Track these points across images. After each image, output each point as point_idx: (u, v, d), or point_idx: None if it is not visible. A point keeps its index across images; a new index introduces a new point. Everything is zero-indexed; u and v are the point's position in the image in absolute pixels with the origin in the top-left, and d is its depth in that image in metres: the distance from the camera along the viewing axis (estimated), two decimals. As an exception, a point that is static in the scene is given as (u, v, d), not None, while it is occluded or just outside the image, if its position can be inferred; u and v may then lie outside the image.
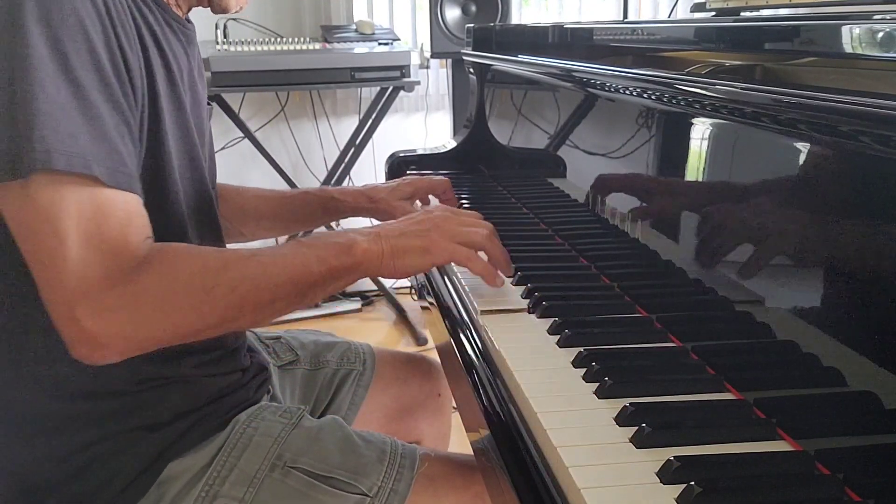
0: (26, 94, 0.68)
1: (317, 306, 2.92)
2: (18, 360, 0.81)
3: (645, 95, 0.87)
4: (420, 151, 1.63)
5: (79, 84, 0.71)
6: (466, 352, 0.83)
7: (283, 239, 1.59)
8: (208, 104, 1.05)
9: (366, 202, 1.19)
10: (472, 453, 0.81)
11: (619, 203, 1.01)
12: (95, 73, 0.72)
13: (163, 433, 0.84)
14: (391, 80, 2.54)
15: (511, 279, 0.94)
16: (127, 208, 0.74)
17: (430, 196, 1.26)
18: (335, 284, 0.83)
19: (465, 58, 1.62)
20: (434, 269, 1.10)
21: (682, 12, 1.87)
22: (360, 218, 1.24)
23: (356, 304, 2.98)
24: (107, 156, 0.72)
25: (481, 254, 0.90)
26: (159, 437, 0.84)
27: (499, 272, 0.89)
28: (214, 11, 0.97)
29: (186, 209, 0.89)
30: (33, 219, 0.69)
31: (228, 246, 1.03)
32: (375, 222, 1.01)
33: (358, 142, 2.75)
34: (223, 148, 2.72)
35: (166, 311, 0.73)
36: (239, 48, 2.45)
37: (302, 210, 1.20)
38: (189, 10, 0.95)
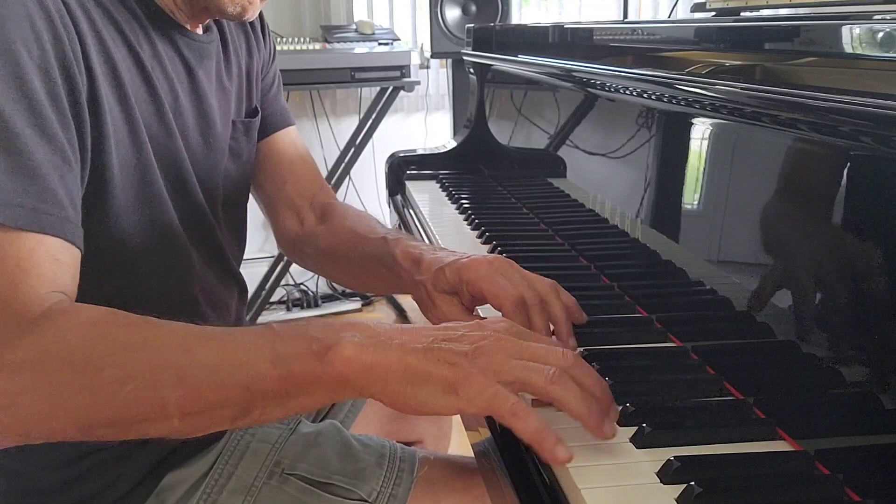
0: None
1: (316, 306, 2.92)
2: None
3: (645, 95, 0.87)
4: (420, 151, 1.63)
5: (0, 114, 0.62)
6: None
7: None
8: (248, 118, 0.98)
9: (413, 273, 0.84)
10: (472, 455, 0.81)
11: (620, 203, 1.01)
12: (23, 103, 0.64)
13: (162, 443, 0.82)
14: (391, 80, 2.54)
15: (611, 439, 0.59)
16: (31, 253, 0.61)
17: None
18: (297, 399, 0.58)
19: (465, 58, 1.62)
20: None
21: (682, 12, 1.87)
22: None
23: (356, 304, 2.98)
24: (23, 192, 0.62)
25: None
26: (158, 447, 0.82)
27: (559, 447, 0.55)
28: (213, 14, 0.87)
29: (185, 235, 0.84)
30: None
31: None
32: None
33: (358, 142, 2.74)
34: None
35: (39, 388, 0.56)
36: (239, 48, 2.44)
37: (375, 264, 0.92)
38: (195, 17, 0.86)
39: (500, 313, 0.75)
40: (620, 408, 0.64)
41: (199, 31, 0.89)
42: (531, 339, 0.62)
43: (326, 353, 0.57)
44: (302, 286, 2.95)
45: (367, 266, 0.93)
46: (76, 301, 0.65)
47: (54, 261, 0.63)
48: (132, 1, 0.79)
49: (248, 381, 0.57)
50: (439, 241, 1.14)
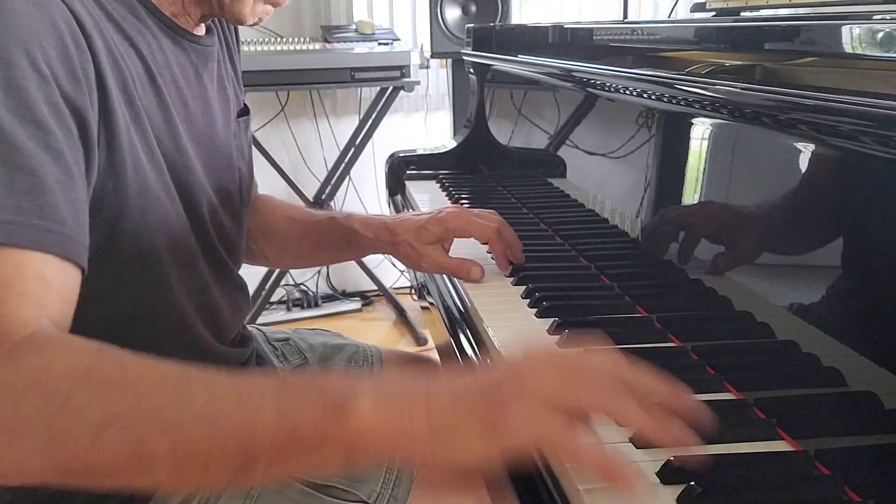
0: None
1: (317, 306, 2.92)
2: None
3: (645, 95, 0.87)
4: (420, 151, 1.63)
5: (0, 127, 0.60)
6: (466, 352, 0.83)
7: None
8: (244, 117, 1.00)
9: (387, 238, 1.00)
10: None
11: (620, 203, 1.01)
12: (27, 117, 0.61)
13: None
14: (391, 80, 2.54)
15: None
16: (16, 269, 0.58)
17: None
18: (302, 459, 0.52)
19: (465, 58, 1.63)
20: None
21: (682, 12, 1.87)
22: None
23: (356, 304, 2.98)
24: (15, 209, 0.59)
25: None
26: None
27: (630, 475, 0.49)
28: (229, 21, 0.90)
29: (199, 252, 0.85)
30: None
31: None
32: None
33: (358, 142, 2.75)
34: (223, 148, 2.72)
35: (7, 422, 0.51)
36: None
37: (325, 239, 1.07)
38: (200, 20, 0.87)
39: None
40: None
41: (202, 31, 0.90)
42: (574, 358, 0.54)
43: (340, 408, 0.50)
44: (302, 286, 2.95)
45: (317, 243, 1.07)
46: (75, 323, 0.62)
47: (42, 280, 0.59)
48: (143, 12, 0.79)
49: (248, 434, 0.51)
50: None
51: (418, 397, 0.51)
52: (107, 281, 0.68)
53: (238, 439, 0.51)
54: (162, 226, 0.79)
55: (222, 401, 0.52)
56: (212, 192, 0.88)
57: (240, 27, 1.00)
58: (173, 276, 0.82)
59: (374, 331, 2.82)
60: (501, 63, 1.47)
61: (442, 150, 1.61)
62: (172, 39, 0.83)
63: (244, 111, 1.02)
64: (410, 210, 1.42)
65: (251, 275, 1.16)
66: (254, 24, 0.89)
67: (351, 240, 1.04)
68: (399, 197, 1.55)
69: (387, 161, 1.61)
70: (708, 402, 0.66)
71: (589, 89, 1.07)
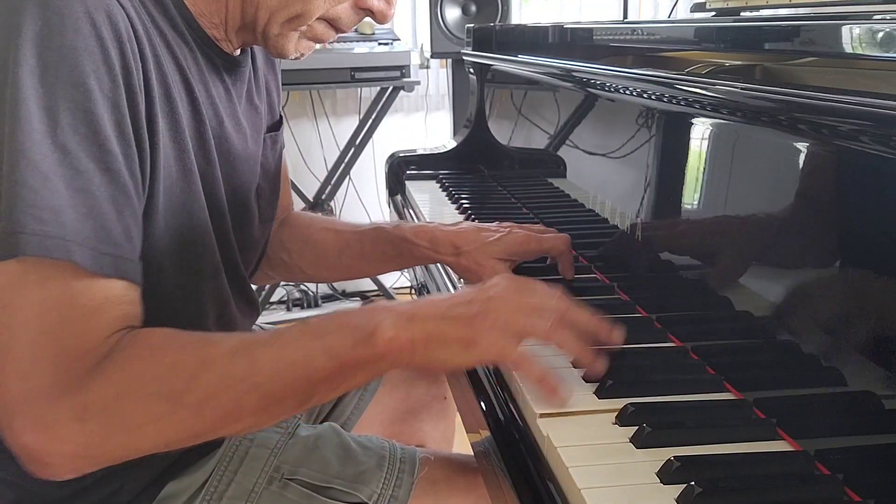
0: (9, 161, 0.60)
1: (317, 306, 2.92)
2: None
3: (645, 95, 0.87)
4: (420, 151, 1.63)
5: (68, 150, 0.62)
6: (466, 352, 0.83)
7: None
8: (274, 132, 0.98)
9: (449, 252, 0.98)
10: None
11: (620, 203, 1.01)
12: (91, 139, 0.64)
13: (163, 454, 0.79)
14: (391, 80, 2.54)
15: (597, 383, 0.69)
16: (104, 296, 0.64)
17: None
18: (350, 381, 0.67)
19: (465, 58, 1.63)
20: (435, 268, 1.10)
21: (682, 12, 1.87)
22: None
23: (356, 304, 2.98)
24: (93, 235, 0.63)
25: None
26: (159, 458, 0.80)
27: (560, 387, 0.66)
28: (272, 55, 0.89)
29: (221, 263, 0.85)
30: None
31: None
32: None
33: (358, 142, 2.75)
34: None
35: (122, 425, 0.62)
36: (239, 48, 2.43)
37: (371, 249, 1.04)
38: (241, 45, 0.87)
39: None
40: (620, 407, 0.64)
41: (238, 52, 0.89)
42: (529, 288, 0.70)
43: (370, 339, 0.65)
44: (302, 286, 2.95)
45: (360, 253, 1.05)
46: None
47: (119, 301, 0.66)
48: (182, 25, 0.79)
49: (308, 374, 0.65)
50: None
51: (416, 320, 0.66)
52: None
53: (302, 382, 0.65)
54: (188, 235, 0.78)
55: (283, 355, 0.65)
56: (234, 208, 0.88)
57: None
58: (200, 285, 0.82)
59: (374, 331, 2.82)
60: (501, 63, 1.47)
61: (442, 150, 1.62)
62: (207, 57, 0.83)
63: (276, 124, 1.00)
64: (411, 210, 1.42)
65: (251, 275, 1.15)
66: (297, 58, 0.87)
67: (402, 249, 1.01)
68: (399, 197, 1.55)
69: (387, 161, 1.61)
70: (708, 402, 0.66)
71: (589, 89, 1.07)
